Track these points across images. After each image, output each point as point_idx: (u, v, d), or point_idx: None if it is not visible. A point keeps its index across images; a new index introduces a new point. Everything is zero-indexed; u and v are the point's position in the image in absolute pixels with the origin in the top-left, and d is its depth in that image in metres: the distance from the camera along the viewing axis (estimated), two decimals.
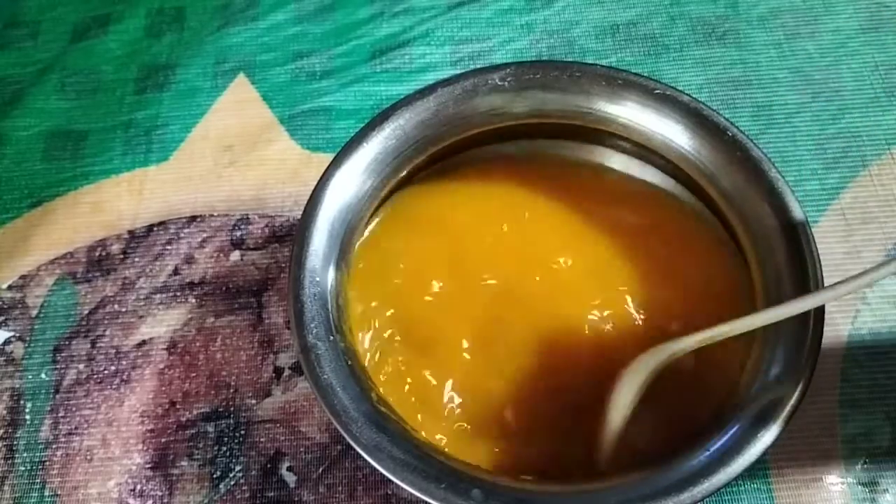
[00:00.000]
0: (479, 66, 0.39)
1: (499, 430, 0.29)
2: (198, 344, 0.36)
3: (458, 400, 0.29)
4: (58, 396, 0.35)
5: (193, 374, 0.35)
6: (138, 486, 0.33)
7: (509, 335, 0.30)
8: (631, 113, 0.31)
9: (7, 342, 0.36)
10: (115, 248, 0.39)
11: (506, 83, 0.32)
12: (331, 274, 0.29)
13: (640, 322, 0.30)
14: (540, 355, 0.30)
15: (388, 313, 0.30)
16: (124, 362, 0.36)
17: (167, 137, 0.42)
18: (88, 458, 0.34)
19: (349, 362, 0.27)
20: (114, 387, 0.35)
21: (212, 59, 0.44)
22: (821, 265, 0.28)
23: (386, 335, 0.30)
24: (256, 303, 0.37)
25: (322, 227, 0.29)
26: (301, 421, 0.34)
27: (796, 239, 0.28)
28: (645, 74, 0.32)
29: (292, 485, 0.32)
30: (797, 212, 0.29)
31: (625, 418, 0.27)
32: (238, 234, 0.39)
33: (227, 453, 0.33)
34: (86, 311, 0.37)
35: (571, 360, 0.29)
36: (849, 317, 0.34)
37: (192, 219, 0.39)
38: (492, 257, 0.32)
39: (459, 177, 0.34)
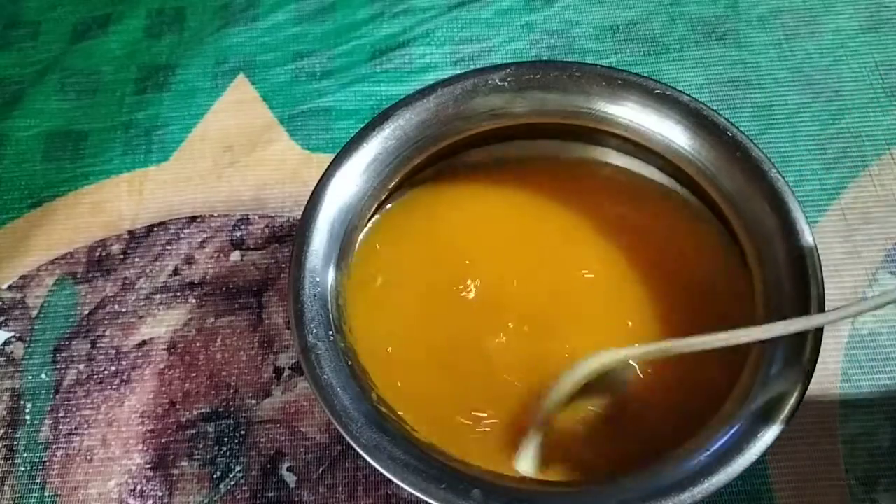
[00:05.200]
0: (479, 67, 0.39)
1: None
2: (198, 344, 0.36)
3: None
4: (58, 397, 0.35)
5: (193, 375, 0.35)
6: (138, 487, 0.33)
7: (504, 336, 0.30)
8: (631, 113, 0.31)
9: (7, 342, 0.36)
10: (115, 248, 0.39)
11: (506, 83, 0.32)
12: (331, 274, 0.29)
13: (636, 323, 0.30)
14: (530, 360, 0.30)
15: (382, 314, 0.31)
16: (124, 362, 0.36)
17: (167, 138, 0.42)
18: (88, 458, 0.34)
19: (349, 362, 0.27)
20: (114, 387, 0.35)
21: (212, 60, 0.44)
22: (821, 265, 0.28)
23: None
24: (256, 303, 0.37)
25: (322, 227, 0.29)
26: (301, 421, 0.34)
27: (796, 239, 0.28)
28: (645, 74, 0.32)
29: (292, 485, 0.32)
30: (797, 212, 0.29)
31: (553, 412, 0.28)
32: (238, 234, 0.39)
33: (227, 453, 0.33)
34: (86, 312, 0.37)
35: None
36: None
37: (192, 219, 0.39)
38: (491, 257, 0.32)
39: (459, 177, 0.34)
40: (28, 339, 0.36)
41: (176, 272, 0.38)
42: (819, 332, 0.26)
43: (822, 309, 0.27)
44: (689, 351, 0.27)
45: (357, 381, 0.27)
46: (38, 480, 0.33)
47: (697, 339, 0.26)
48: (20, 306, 0.37)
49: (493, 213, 0.33)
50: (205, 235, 0.39)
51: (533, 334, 0.30)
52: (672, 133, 0.31)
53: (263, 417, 0.34)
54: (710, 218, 0.32)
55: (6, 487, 0.33)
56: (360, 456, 0.25)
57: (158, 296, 0.37)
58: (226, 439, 0.34)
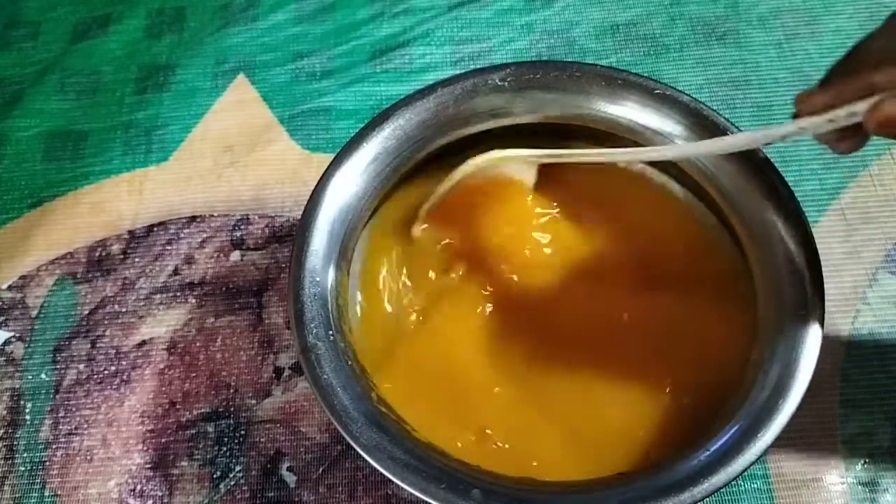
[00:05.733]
0: (479, 67, 0.39)
1: None
2: (198, 344, 0.36)
3: None
4: (58, 396, 0.35)
5: (193, 375, 0.35)
6: (138, 486, 0.33)
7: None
8: (631, 113, 0.31)
9: (7, 342, 0.36)
10: (115, 248, 0.39)
11: (506, 83, 0.32)
12: (331, 274, 0.29)
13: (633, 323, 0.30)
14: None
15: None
16: (124, 362, 0.36)
17: (167, 137, 0.42)
18: (88, 458, 0.34)
19: (349, 362, 0.27)
20: (114, 387, 0.35)
21: (212, 59, 0.44)
22: (821, 265, 0.28)
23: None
24: (256, 303, 0.37)
25: (322, 227, 0.29)
26: (301, 421, 0.34)
27: (796, 239, 0.28)
28: (645, 74, 0.32)
29: (292, 485, 0.32)
30: (797, 212, 0.29)
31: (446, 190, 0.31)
32: (238, 234, 0.39)
33: (227, 453, 0.33)
34: (86, 312, 0.37)
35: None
36: (849, 317, 0.34)
37: (192, 219, 0.39)
38: (489, 257, 0.32)
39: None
40: (28, 339, 0.36)
41: (176, 272, 0.38)
42: (819, 333, 0.26)
43: (822, 310, 0.27)
44: (582, 161, 0.29)
45: (357, 381, 0.27)
46: (38, 480, 0.33)
47: (594, 151, 0.30)
48: (20, 306, 0.37)
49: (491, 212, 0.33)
50: (205, 235, 0.39)
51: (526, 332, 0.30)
52: (672, 133, 0.31)
53: (263, 417, 0.34)
54: (711, 217, 0.32)
55: (6, 487, 0.33)
56: (360, 456, 0.25)
57: (158, 296, 0.37)
58: (226, 439, 0.34)
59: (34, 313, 0.37)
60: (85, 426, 0.34)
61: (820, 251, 0.28)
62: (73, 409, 0.35)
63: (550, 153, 0.30)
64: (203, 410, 0.34)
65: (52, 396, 0.35)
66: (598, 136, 0.33)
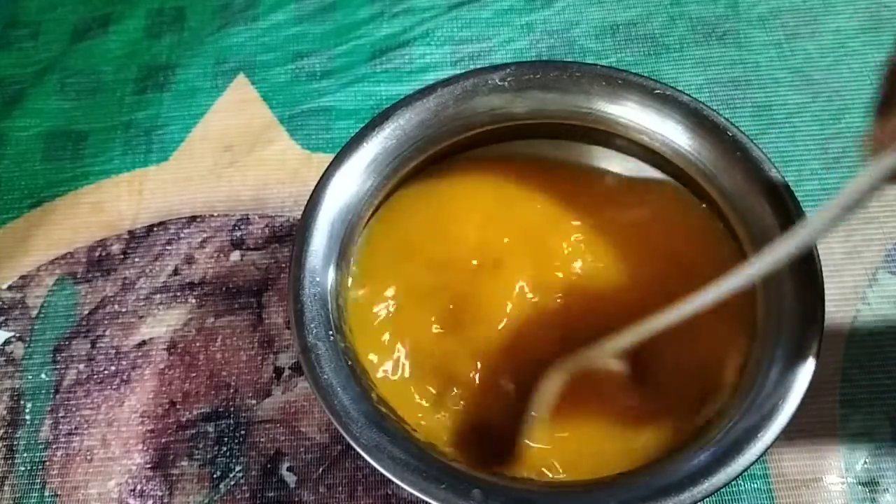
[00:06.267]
0: (479, 66, 0.39)
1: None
2: (198, 344, 0.36)
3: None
4: (58, 396, 0.35)
5: (193, 375, 0.35)
6: (138, 487, 0.33)
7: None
8: (631, 113, 0.31)
9: (7, 342, 0.36)
10: (115, 248, 0.39)
11: (506, 83, 0.32)
12: (331, 274, 0.29)
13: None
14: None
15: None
16: (124, 362, 0.36)
17: (167, 137, 0.42)
18: (88, 458, 0.34)
19: (349, 362, 0.27)
20: (114, 387, 0.35)
21: (212, 59, 0.44)
22: (821, 265, 0.28)
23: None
24: (256, 303, 0.37)
25: (322, 227, 0.29)
26: (301, 421, 0.34)
27: None
28: (645, 74, 0.32)
29: (292, 485, 0.33)
30: (797, 211, 0.29)
31: (543, 413, 0.28)
32: (238, 234, 0.39)
33: (227, 453, 0.33)
34: (86, 312, 0.37)
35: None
36: (849, 317, 0.34)
37: (192, 219, 0.39)
38: (488, 258, 0.32)
39: (459, 177, 0.34)
40: (28, 339, 0.36)
41: (176, 272, 0.38)
42: (820, 332, 0.26)
43: (822, 310, 0.27)
44: (670, 324, 0.26)
45: (357, 381, 0.27)
46: (38, 480, 0.33)
47: (676, 310, 0.25)
48: (20, 306, 0.37)
49: (493, 213, 0.33)
50: (205, 235, 0.39)
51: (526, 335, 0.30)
52: (672, 133, 0.31)
53: (263, 417, 0.34)
54: (711, 218, 0.32)
55: (6, 487, 0.33)
56: (360, 456, 0.25)
57: (158, 296, 0.37)
58: (226, 439, 0.34)
59: (34, 313, 0.37)
60: (85, 426, 0.34)
61: (820, 251, 0.28)
62: (73, 409, 0.35)
63: (631, 335, 0.27)
64: (203, 410, 0.34)
65: (52, 396, 0.35)
66: (599, 135, 0.33)
